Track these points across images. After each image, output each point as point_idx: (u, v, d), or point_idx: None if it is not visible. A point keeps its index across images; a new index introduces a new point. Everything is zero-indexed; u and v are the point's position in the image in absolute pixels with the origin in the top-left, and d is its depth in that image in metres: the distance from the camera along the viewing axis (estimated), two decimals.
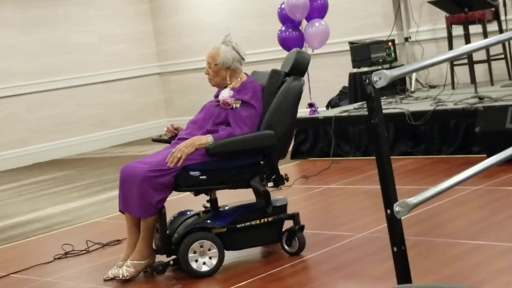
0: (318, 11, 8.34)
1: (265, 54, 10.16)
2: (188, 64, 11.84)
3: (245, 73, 4.74)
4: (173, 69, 12.21)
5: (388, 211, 2.79)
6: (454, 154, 6.79)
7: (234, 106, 4.51)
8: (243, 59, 4.68)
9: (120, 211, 4.52)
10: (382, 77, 2.79)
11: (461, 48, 3.27)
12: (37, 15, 11.01)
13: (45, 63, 11.04)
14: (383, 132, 2.81)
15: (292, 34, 8.35)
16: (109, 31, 11.80)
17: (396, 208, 2.78)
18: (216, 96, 4.70)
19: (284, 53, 7.48)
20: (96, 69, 11.61)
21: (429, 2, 8.38)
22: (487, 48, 7.87)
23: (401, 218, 2.81)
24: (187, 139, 4.50)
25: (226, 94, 4.57)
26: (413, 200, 2.83)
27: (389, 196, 2.80)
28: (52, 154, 10.92)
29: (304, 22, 8.37)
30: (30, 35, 10.93)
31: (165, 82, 12.39)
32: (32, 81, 10.91)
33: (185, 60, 11.94)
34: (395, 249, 2.82)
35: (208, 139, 4.41)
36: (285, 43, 8.34)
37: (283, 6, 8.31)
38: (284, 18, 8.39)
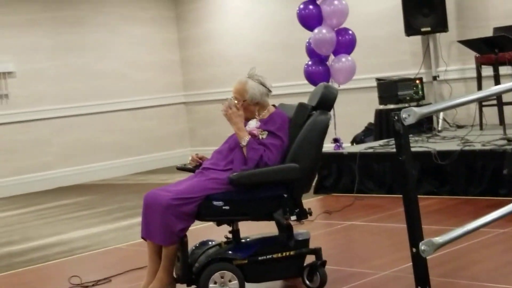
0: (345, 46, 8.35)
1: (291, 88, 10.16)
2: (213, 94, 11.87)
3: (273, 105, 4.73)
4: (198, 99, 12.25)
5: (414, 250, 2.76)
6: (481, 196, 6.71)
7: (260, 137, 4.49)
8: (270, 91, 4.67)
9: (142, 237, 4.50)
10: (411, 114, 2.78)
11: (491, 88, 3.27)
12: (66, 41, 11.10)
13: (72, 88, 11.12)
14: (411, 169, 2.79)
15: (318, 69, 8.36)
16: (137, 58, 11.87)
17: (422, 247, 2.75)
18: None
19: (309, 87, 7.51)
20: (122, 96, 11.67)
21: (459, 41, 8.37)
22: None
23: (427, 257, 2.78)
24: (211, 169, 4.49)
25: (253, 125, 4.56)
26: (439, 239, 2.81)
27: (415, 235, 2.77)
28: (75, 179, 10.95)
29: (332, 57, 8.39)
30: (59, 60, 11.02)
31: (190, 112, 12.42)
32: (58, 105, 10.98)
33: (211, 90, 11.98)
34: None
35: (244, 139, 4.43)
36: (311, 77, 8.36)
37: (310, 40, 8.33)
38: (311, 52, 8.41)
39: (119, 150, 11.58)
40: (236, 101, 4.60)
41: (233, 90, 4.67)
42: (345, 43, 8.36)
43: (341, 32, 8.34)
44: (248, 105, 4.61)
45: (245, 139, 4.43)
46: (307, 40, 8.44)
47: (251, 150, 4.41)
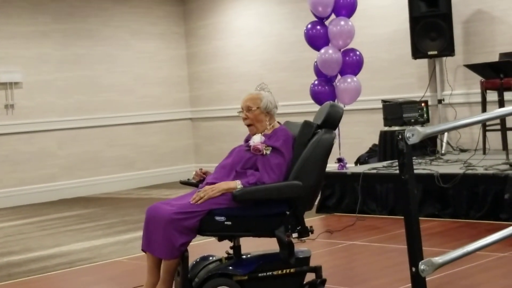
0: (352, 66, 8.39)
1: (297, 107, 10.20)
2: (220, 111, 11.92)
3: (278, 121, 4.75)
4: (204, 115, 12.29)
5: (413, 269, 2.76)
6: (482, 220, 6.72)
7: (264, 153, 4.51)
8: (276, 107, 4.70)
9: (142, 250, 4.51)
10: (415, 133, 2.79)
11: (495, 111, 3.27)
12: (75, 53, 11.16)
13: (79, 101, 11.16)
14: (413, 188, 2.80)
15: (324, 89, 8.40)
16: (145, 73, 11.93)
17: (422, 266, 2.76)
18: (247, 140, 4.71)
19: (315, 107, 7.53)
20: (129, 110, 11.71)
21: (465, 65, 8.41)
22: None
23: (426, 277, 2.78)
24: (214, 183, 4.49)
25: (257, 140, 4.57)
26: (439, 259, 2.81)
27: (414, 254, 2.78)
28: (79, 191, 10.98)
29: (339, 77, 8.43)
30: (66, 72, 11.08)
31: (196, 128, 12.46)
32: (65, 117, 11.02)
33: (217, 107, 12.02)
34: None
35: (237, 184, 4.40)
36: (317, 97, 8.40)
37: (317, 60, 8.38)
38: (319, 72, 8.45)
39: (123, 164, 11.60)
40: (246, 112, 4.61)
41: (244, 100, 4.67)
42: (352, 63, 8.40)
43: (348, 52, 8.39)
44: (260, 113, 4.63)
45: (238, 184, 4.40)
46: (315, 60, 8.48)
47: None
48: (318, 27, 8.43)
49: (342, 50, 8.36)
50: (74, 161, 11.07)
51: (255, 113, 4.63)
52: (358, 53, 8.42)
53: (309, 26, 8.48)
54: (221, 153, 4.98)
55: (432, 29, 8.93)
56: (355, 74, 8.39)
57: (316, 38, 8.43)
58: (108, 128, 11.48)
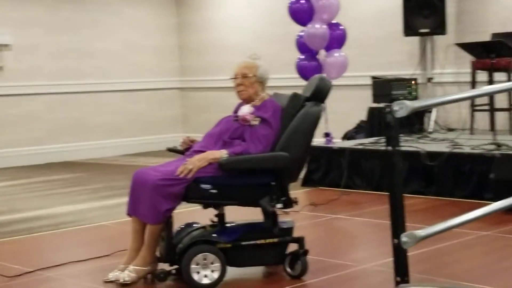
0: (337, 41, 8.42)
1: (284, 80, 10.17)
2: (209, 82, 11.90)
3: (267, 93, 4.76)
4: (193, 85, 12.27)
5: (395, 241, 2.79)
6: (466, 199, 6.76)
7: (252, 123, 4.52)
8: (268, 78, 4.72)
9: (127, 214, 4.53)
10: (403, 107, 2.81)
11: (484, 87, 3.29)
12: (64, 17, 11.10)
13: (67, 66, 11.11)
14: (399, 161, 2.82)
15: (310, 64, 8.44)
16: (134, 41, 11.87)
17: (403, 238, 2.78)
18: (235, 111, 4.72)
19: (301, 81, 7.54)
20: (117, 77, 11.67)
21: (456, 44, 8.41)
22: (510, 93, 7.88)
23: (407, 249, 2.81)
24: (201, 151, 4.51)
25: (246, 110, 4.59)
26: (421, 232, 2.83)
27: (397, 226, 2.80)
28: (65, 156, 10.97)
29: (323, 52, 8.46)
30: (56, 36, 11.01)
31: (185, 98, 12.44)
32: (53, 82, 10.98)
33: (206, 78, 12.00)
34: (398, 279, 2.81)
35: (222, 153, 4.42)
36: (303, 72, 8.44)
37: (303, 34, 8.39)
38: (302, 46, 8.48)
39: (110, 131, 11.59)
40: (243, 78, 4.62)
41: (240, 67, 4.67)
42: (337, 38, 8.44)
43: (332, 27, 8.41)
44: (255, 81, 4.64)
45: (223, 154, 4.41)
46: (297, 34, 8.52)
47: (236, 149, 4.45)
48: (302, 1, 8.43)
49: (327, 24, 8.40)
50: (61, 126, 11.05)
51: (251, 81, 4.64)
52: (342, 27, 8.47)
53: (293, 0, 8.50)
54: (209, 124, 4.99)
55: (425, 6, 8.91)
56: (340, 48, 8.43)
57: (300, 12, 8.44)
58: (97, 94, 11.44)
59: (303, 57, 8.54)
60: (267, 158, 4.47)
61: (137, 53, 11.90)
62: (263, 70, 4.67)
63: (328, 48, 8.43)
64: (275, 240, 4.51)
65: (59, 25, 11.04)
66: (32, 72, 10.77)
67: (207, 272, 4.33)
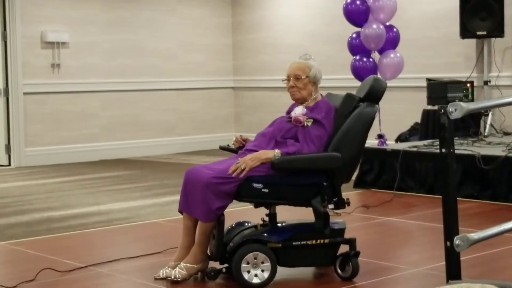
0: (391, 42, 8.41)
1: (339, 81, 10.14)
2: (262, 82, 11.91)
3: (320, 93, 4.74)
4: (246, 85, 12.29)
5: (448, 243, 2.76)
6: None
7: (305, 124, 4.51)
8: (321, 78, 4.70)
9: (179, 211, 4.56)
10: (458, 108, 2.78)
11: None
12: (121, 16, 11.22)
13: (123, 64, 11.23)
14: (452, 163, 2.79)
15: (365, 64, 8.41)
16: (189, 40, 11.94)
17: (456, 241, 2.76)
18: (289, 112, 4.71)
19: (356, 82, 7.50)
20: (172, 76, 11.76)
21: None
22: None
23: (460, 252, 2.78)
24: (254, 150, 4.51)
25: (299, 111, 4.57)
26: (474, 236, 2.80)
27: (450, 228, 2.77)
28: (119, 153, 11.08)
29: (376, 53, 8.46)
30: (112, 34, 11.14)
31: (238, 97, 12.47)
32: (108, 79, 11.10)
33: (260, 77, 12.01)
34: (450, 282, 2.78)
35: (275, 153, 4.41)
36: (358, 72, 8.41)
37: (353, 35, 8.42)
38: (355, 47, 8.48)
39: (164, 129, 11.68)
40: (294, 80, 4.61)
41: (292, 69, 4.65)
42: (390, 39, 8.42)
43: (386, 28, 8.39)
44: (308, 82, 4.63)
45: (276, 154, 4.40)
46: (350, 35, 8.51)
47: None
48: (358, 2, 8.42)
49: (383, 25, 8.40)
50: (116, 123, 11.17)
51: (304, 82, 4.63)
52: (395, 29, 8.49)
53: (348, 0, 8.48)
54: (261, 123, 5.00)
55: (482, 8, 8.81)
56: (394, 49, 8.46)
57: (355, 13, 8.44)
58: (151, 92, 11.55)
59: (358, 57, 8.51)
60: (320, 158, 4.45)
61: (192, 52, 11.97)
62: (315, 70, 4.65)
63: (382, 50, 8.39)
64: (326, 241, 4.48)
65: (115, 23, 11.16)
66: (88, 70, 10.90)
67: (257, 271, 4.33)
